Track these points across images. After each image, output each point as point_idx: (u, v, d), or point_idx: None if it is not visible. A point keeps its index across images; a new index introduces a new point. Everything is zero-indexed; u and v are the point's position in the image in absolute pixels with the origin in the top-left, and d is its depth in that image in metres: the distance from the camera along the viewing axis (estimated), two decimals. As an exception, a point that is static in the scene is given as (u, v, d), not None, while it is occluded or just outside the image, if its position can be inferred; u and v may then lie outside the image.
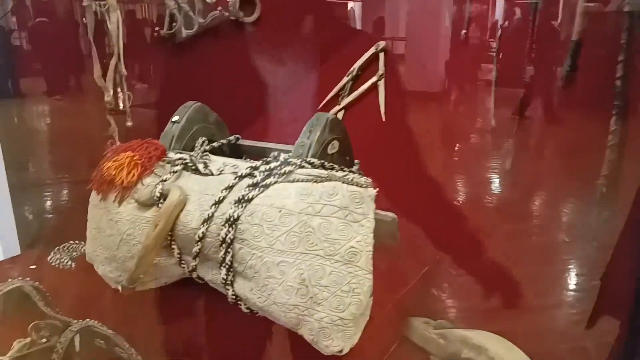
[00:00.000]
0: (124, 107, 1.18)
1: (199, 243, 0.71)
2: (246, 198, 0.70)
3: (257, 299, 0.67)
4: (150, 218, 0.75)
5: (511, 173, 0.91)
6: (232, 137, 0.95)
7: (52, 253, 1.10)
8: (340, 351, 0.63)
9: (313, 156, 0.77)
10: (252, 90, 1.26)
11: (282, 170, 0.73)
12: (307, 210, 0.67)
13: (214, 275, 0.73)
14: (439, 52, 1.09)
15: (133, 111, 1.19)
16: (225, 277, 0.70)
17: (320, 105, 1.23)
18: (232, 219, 0.69)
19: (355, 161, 0.89)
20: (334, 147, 0.83)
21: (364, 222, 0.65)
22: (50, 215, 1.23)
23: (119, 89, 1.14)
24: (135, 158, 0.78)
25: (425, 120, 1.09)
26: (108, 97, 1.16)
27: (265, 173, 0.73)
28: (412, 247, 0.84)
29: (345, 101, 1.23)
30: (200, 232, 0.71)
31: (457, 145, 1.04)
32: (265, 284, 0.66)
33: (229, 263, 0.70)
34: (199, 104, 0.93)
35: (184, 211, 0.73)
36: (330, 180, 0.69)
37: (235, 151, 0.95)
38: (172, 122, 0.89)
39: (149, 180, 0.78)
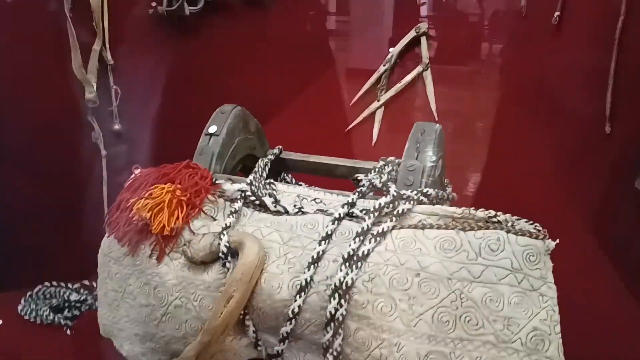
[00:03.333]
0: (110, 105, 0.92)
1: (292, 321, 0.49)
2: (359, 254, 0.49)
3: (394, 405, 0.46)
4: (211, 282, 0.52)
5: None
6: (275, 150, 0.73)
7: (22, 301, 0.83)
8: None
9: (427, 184, 0.57)
10: (270, 82, 1.03)
11: (399, 210, 0.52)
12: (460, 275, 0.46)
13: (309, 363, 0.51)
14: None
15: (122, 111, 0.92)
16: (332, 368, 0.49)
17: (354, 100, 1.03)
18: (344, 286, 0.48)
19: (446, 180, 0.70)
20: (438, 168, 0.63)
21: (543, 289, 0.46)
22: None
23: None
24: (178, 193, 0.54)
25: (488, 120, 0.90)
26: (90, 93, 0.89)
27: (374, 213, 0.52)
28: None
29: (386, 96, 1.03)
30: (295, 306, 0.49)
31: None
32: (406, 386, 0.45)
33: (339, 349, 0.48)
34: (239, 107, 0.70)
35: (265, 274, 0.50)
36: (471, 222, 0.49)
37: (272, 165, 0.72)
38: (208, 134, 0.66)
39: (198, 224, 0.55)
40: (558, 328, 0.45)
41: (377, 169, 0.62)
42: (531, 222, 0.49)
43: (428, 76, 0.99)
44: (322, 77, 1.04)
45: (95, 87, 0.88)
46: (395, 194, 0.53)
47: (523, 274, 0.46)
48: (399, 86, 1.01)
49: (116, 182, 0.92)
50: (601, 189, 0.74)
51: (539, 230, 0.47)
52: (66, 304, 0.82)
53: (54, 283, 0.87)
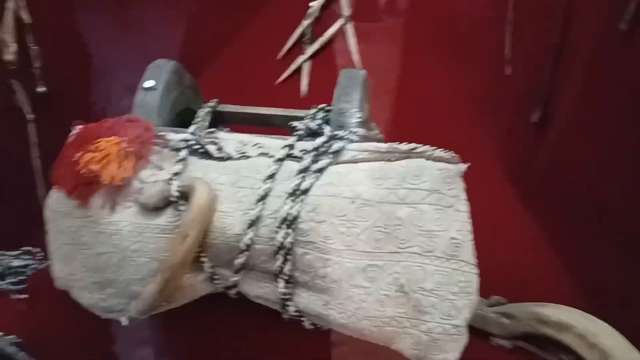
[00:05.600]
0: (31, 66, 0.89)
1: (245, 253, 0.55)
2: (301, 189, 0.55)
3: (339, 314, 0.54)
4: (166, 226, 0.56)
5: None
6: (212, 102, 0.76)
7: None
8: (453, 363, 0.53)
9: (356, 125, 0.63)
10: (196, 37, 1.04)
11: (334, 149, 0.58)
12: (389, 198, 0.54)
13: (262, 289, 0.57)
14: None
15: (45, 72, 0.90)
16: (284, 290, 0.55)
17: (281, 55, 1.06)
18: (290, 218, 0.53)
19: (373, 124, 0.77)
20: (365, 111, 0.69)
21: (458, 205, 0.54)
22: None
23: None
24: (124, 145, 0.57)
25: (409, 70, 0.98)
26: (9, 54, 0.86)
27: (312, 153, 0.58)
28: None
29: (312, 49, 1.07)
30: (247, 239, 0.54)
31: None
32: (349, 296, 0.53)
33: (289, 273, 0.55)
34: (174, 62, 0.72)
35: (217, 213, 0.55)
36: (396, 155, 0.57)
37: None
38: (145, 89, 0.68)
39: (146, 174, 0.58)
40: (471, 236, 0.54)
41: (310, 116, 0.68)
42: (446, 150, 0.57)
43: (349, 29, 1.05)
44: (247, 32, 1.06)
45: (13, 47, 0.86)
46: (330, 134, 0.59)
47: (441, 193, 0.54)
48: (322, 40, 1.05)
49: (47, 145, 0.91)
50: (504, 123, 0.84)
51: (453, 156, 0.55)
52: (9, 271, 0.82)
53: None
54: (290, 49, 1.06)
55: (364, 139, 0.62)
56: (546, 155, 0.79)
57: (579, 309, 0.70)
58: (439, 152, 0.56)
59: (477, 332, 0.73)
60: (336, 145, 0.58)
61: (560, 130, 0.76)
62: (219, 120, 0.79)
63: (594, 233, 0.75)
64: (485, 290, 0.78)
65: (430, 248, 0.52)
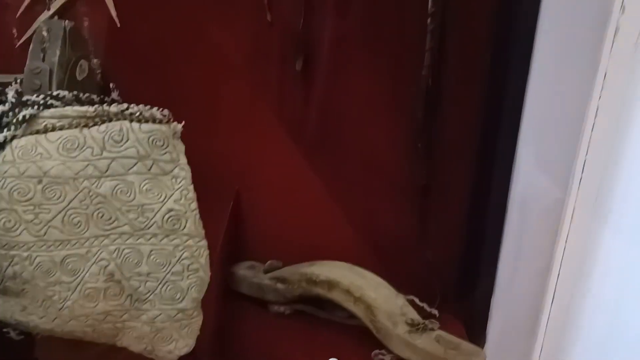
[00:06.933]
0: None
1: None
2: (-30, 172, 0.43)
3: (40, 319, 0.44)
4: None
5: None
6: None
7: None
8: (188, 350, 0.47)
9: (60, 87, 0.52)
10: None
11: (19, 117, 0.46)
12: (86, 172, 0.44)
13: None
14: None
15: None
16: (-35, 302, 0.44)
17: (21, 11, 0.88)
18: (-47, 212, 0.42)
19: (111, 85, 0.67)
20: (83, 71, 0.58)
21: (176, 171, 0.47)
22: None
23: None
24: None
25: (172, 22, 0.87)
26: None
27: (-10, 125, 0.46)
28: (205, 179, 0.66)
29: (57, 4, 0.90)
30: None
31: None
32: (48, 296, 0.43)
33: (-32, 280, 0.43)
34: None
35: None
36: (105, 119, 0.47)
37: None
38: None
39: None
40: (194, 205, 0.47)
41: (17, 79, 0.55)
42: (160, 109, 0.48)
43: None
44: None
45: None
46: (13, 100, 0.48)
47: (152, 159, 0.46)
48: (70, -9, 0.90)
49: None
50: (273, 73, 0.78)
51: (165, 115, 0.47)
52: None
53: None
54: (30, 4, 0.89)
55: (74, 102, 0.51)
56: (313, 103, 0.75)
57: (357, 263, 0.68)
58: (148, 111, 0.47)
59: (255, 301, 0.69)
60: (23, 114, 0.46)
61: (322, 77, 0.73)
62: None
63: (366, 181, 0.74)
64: (263, 256, 0.75)
65: (143, 225, 0.45)
